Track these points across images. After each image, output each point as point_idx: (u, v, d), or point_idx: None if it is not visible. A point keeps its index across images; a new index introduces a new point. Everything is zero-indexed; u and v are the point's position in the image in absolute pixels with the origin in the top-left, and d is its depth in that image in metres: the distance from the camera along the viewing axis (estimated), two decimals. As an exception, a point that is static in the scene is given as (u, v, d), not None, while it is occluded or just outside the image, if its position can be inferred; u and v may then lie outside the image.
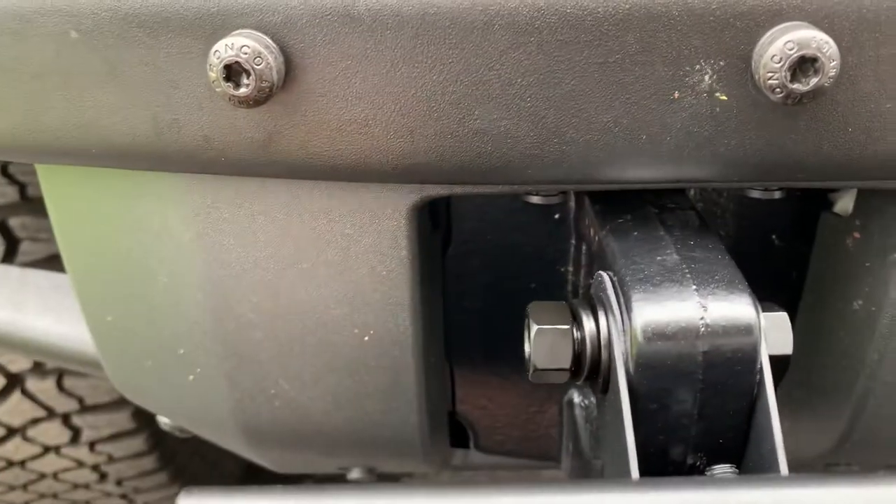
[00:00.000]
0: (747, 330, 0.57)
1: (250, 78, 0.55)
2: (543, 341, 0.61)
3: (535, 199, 0.69)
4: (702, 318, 0.56)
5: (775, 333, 0.61)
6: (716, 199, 0.78)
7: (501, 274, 0.82)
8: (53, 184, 0.76)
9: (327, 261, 0.70)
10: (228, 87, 0.56)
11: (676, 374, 0.57)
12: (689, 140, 0.58)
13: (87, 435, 1.65)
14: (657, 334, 0.56)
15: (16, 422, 1.51)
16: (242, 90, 0.56)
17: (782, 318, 0.62)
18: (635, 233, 0.65)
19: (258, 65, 0.55)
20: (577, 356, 0.62)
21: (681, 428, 0.59)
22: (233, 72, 0.56)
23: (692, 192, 0.77)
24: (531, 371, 0.63)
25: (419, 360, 0.75)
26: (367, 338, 0.74)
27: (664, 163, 0.59)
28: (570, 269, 0.79)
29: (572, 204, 0.76)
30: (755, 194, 0.69)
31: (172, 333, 0.80)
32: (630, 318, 0.57)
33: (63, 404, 1.59)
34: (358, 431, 0.82)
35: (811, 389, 0.83)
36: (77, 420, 1.63)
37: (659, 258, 0.61)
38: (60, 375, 1.52)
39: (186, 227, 0.72)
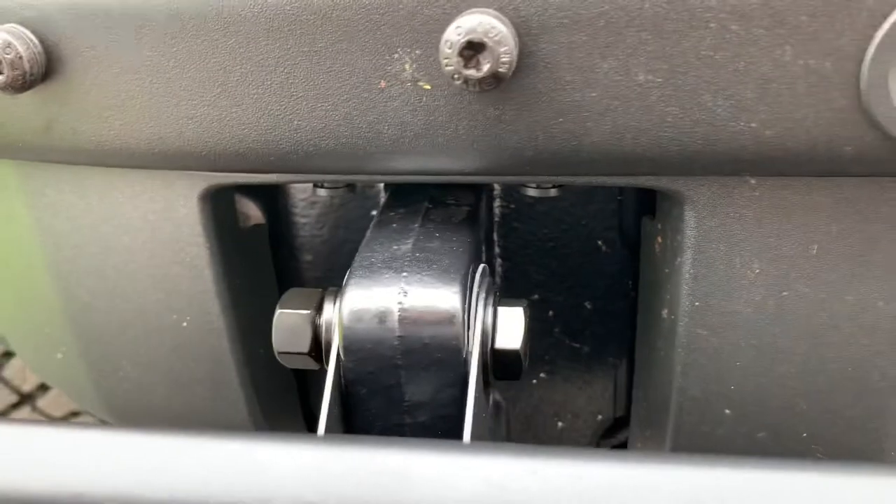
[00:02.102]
0: (447, 318, 0.56)
1: (3, 66, 0.61)
2: (282, 325, 0.63)
3: (321, 192, 0.71)
4: (400, 304, 0.57)
5: (504, 326, 0.60)
6: (526, 201, 0.77)
7: (331, 271, 0.83)
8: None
9: (140, 246, 0.75)
10: (-10, 75, 0.62)
11: (377, 358, 0.57)
12: (407, 130, 0.59)
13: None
14: (358, 318, 0.57)
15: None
16: (0, 77, 0.62)
17: (516, 312, 0.61)
18: (394, 224, 0.65)
19: (8, 54, 0.61)
20: (317, 342, 0.63)
21: (394, 416, 0.59)
22: (-7, 61, 0.61)
23: (496, 190, 0.76)
24: (277, 354, 0.64)
25: (238, 350, 0.78)
26: (185, 324, 0.78)
27: (387, 154, 0.60)
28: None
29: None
30: (531, 192, 0.68)
31: (38, 314, 0.86)
32: (342, 303, 0.58)
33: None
34: (198, 418, 0.85)
35: (647, 404, 0.80)
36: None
37: (394, 247, 0.62)
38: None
39: (27, 212, 0.78)
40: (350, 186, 0.71)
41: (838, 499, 0.36)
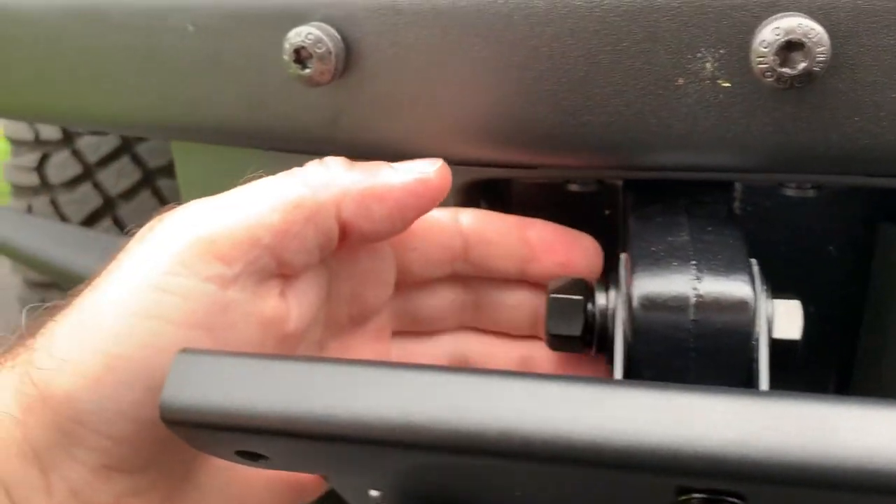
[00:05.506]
0: (740, 306, 0.59)
1: (313, 60, 0.67)
2: (556, 308, 0.66)
3: (573, 188, 0.75)
4: (695, 290, 0.60)
5: (783, 318, 0.62)
6: (765, 203, 0.79)
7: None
8: (181, 160, 0.92)
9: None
10: (297, 68, 0.67)
11: (669, 341, 0.60)
12: (697, 125, 0.62)
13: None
14: (652, 303, 0.60)
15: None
16: (307, 71, 0.67)
17: (794, 305, 0.63)
18: (658, 219, 0.68)
19: (319, 49, 0.66)
20: (589, 327, 0.66)
21: (677, 398, 0.62)
22: (301, 55, 0.67)
23: (737, 191, 0.79)
24: (546, 337, 0.68)
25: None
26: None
27: (673, 148, 0.63)
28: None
29: (621, 200, 0.80)
30: (789, 192, 0.70)
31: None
32: (631, 289, 0.61)
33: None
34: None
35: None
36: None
37: (670, 239, 0.65)
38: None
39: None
40: (600, 183, 0.75)
41: None
